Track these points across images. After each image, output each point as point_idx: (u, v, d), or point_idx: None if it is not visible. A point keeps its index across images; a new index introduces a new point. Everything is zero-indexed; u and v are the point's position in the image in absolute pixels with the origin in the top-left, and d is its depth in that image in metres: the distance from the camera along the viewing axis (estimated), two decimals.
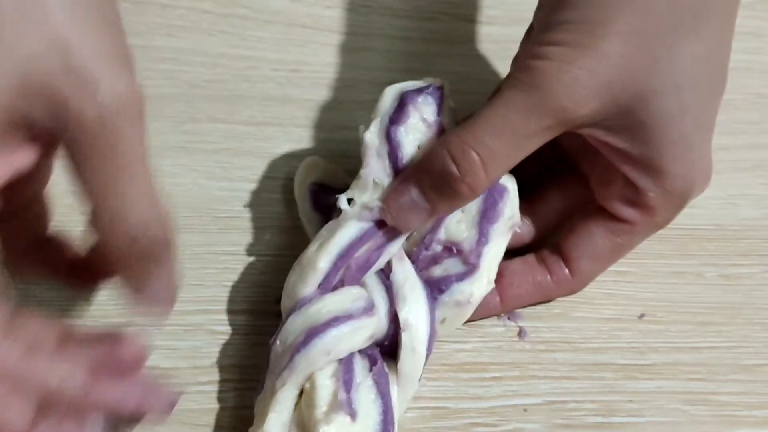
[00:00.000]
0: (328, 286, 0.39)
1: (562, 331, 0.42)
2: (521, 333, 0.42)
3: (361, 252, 0.39)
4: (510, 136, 0.36)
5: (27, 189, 0.33)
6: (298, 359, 0.37)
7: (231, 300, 0.43)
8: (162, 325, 0.42)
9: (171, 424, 0.39)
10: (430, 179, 0.37)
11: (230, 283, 0.44)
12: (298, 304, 0.38)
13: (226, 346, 0.42)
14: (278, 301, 0.40)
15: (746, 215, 0.47)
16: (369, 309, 0.38)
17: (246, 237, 0.46)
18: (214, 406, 0.40)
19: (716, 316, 0.43)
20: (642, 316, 0.43)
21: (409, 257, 0.40)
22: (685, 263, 0.45)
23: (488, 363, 0.41)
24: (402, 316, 0.38)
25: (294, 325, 0.38)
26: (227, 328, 0.42)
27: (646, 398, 0.40)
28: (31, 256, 0.36)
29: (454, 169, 0.36)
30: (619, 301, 0.43)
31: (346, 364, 0.37)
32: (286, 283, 0.40)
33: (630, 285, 0.44)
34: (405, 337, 0.38)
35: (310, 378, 0.37)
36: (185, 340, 0.42)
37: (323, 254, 0.39)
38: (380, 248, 0.39)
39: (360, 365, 0.38)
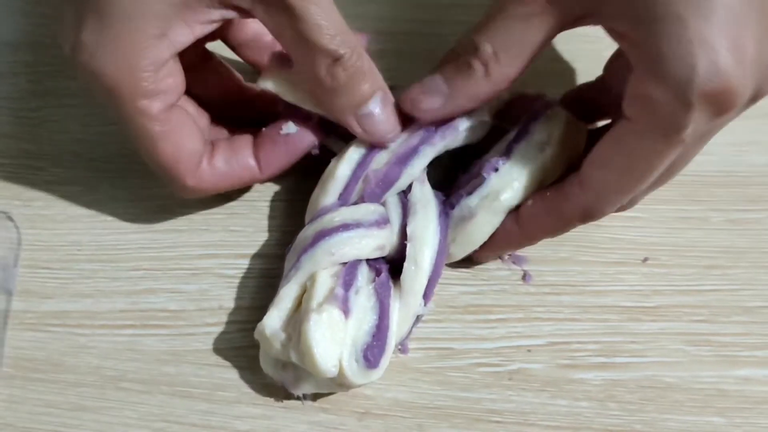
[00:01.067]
0: (347, 197, 0.40)
1: (567, 274, 0.43)
2: (525, 276, 0.42)
3: (380, 164, 0.40)
4: (514, 25, 0.36)
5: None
6: (304, 259, 0.38)
7: (238, 244, 0.44)
8: (168, 269, 0.43)
9: (178, 364, 0.40)
10: (448, 65, 0.38)
11: (237, 228, 0.44)
12: (317, 214, 0.40)
13: (233, 289, 0.42)
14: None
15: (755, 161, 0.46)
16: (381, 222, 0.39)
17: None
18: (222, 346, 0.41)
19: (721, 260, 0.43)
20: (646, 260, 0.43)
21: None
22: (692, 208, 0.45)
23: (493, 305, 0.42)
24: (409, 229, 0.39)
25: (306, 232, 0.39)
26: (234, 272, 0.43)
27: (649, 339, 0.41)
28: (226, 103, 0.43)
29: (470, 49, 0.37)
30: (624, 246, 0.43)
31: (349, 267, 0.38)
32: (310, 199, 0.41)
33: (636, 230, 0.44)
34: (410, 249, 0.38)
35: (312, 276, 0.38)
36: (192, 283, 0.42)
37: (342, 162, 0.40)
38: (400, 164, 0.40)
39: (364, 272, 0.39)
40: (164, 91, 0.37)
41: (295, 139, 0.41)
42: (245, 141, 0.42)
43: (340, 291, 0.37)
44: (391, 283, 0.39)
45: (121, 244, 0.44)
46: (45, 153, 0.47)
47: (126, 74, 0.36)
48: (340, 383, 0.37)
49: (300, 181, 0.44)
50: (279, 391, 0.39)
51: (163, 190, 0.45)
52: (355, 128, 0.39)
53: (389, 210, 0.40)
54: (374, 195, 0.40)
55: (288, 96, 0.41)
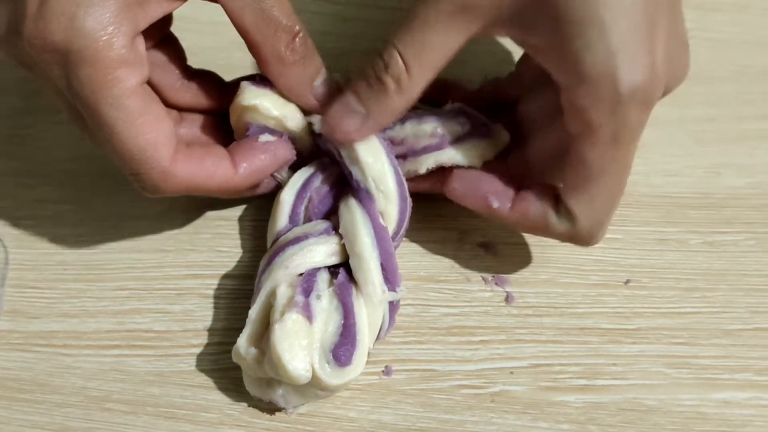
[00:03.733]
0: (296, 218, 0.42)
1: (549, 296, 0.43)
2: (508, 298, 0.43)
3: (321, 183, 0.42)
4: (427, 33, 0.37)
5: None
6: (263, 278, 0.40)
7: (223, 265, 0.44)
8: (154, 289, 0.43)
9: (163, 385, 0.40)
10: (361, 82, 0.39)
11: (224, 249, 0.45)
12: (273, 240, 0.41)
13: (218, 309, 0.43)
14: None
15: (730, 184, 0.47)
16: (330, 230, 0.41)
17: (239, 202, 0.46)
18: (206, 367, 0.41)
19: (700, 282, 0.44)
20: (628, 282, 0.44)
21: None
22: (669, 230, 0.45)
23: (475, 327, 0.42)
24: (341, 229, 0.40)
25: (264, 257, 0.41)
26: (219, 292, 0.43)
27: (630, 361, 0.41)
28: (183, 87, 0.43)
29: (380, 65, 0.38)
30: (606, 268, 0.44)
31: (307, 275, 0.40)
32: (267, 229, 0.43)
33: (616, 252, 0.45)
34: (347, 246, 0.40)
35: (273, 291, 0.39)
36: (178, 303, 0.43)
37: (286, 189, 0.42)
38: (336, 183, 0.42)
39: (324, 278, 0.40)
40: (139, 62, 0.37)
41: (272, 146, 0.42)
42: (219, 147, 0.42)
43: (299, 298, 0.38)
44: (351, 283, 0.40)
45: (108, 263, 0.44)
46: (34, 171, 0.48)
47: (106, 40, 0.35)
48: (319, 387, 0.38)
49: None
50: (262, 414, 0.39)
51: (151, 210, 0.46)
52: (311, 101, 0.41)
53: (333, 221, 0.42)
54: (318, 213, 0.42)
55: (272, 109, 0.42)
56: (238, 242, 0.45)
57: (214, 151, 0.41)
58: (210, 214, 0.46)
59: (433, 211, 0.45)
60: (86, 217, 0.46)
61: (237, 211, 0.46)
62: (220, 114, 0.44)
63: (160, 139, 0.38)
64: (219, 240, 0.45)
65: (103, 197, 0.46)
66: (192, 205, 0.46)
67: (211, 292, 0.43)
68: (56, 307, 0.43)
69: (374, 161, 0.40)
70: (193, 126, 0.43)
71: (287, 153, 0.42)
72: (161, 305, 0.43)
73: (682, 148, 0.49)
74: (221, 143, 0.42)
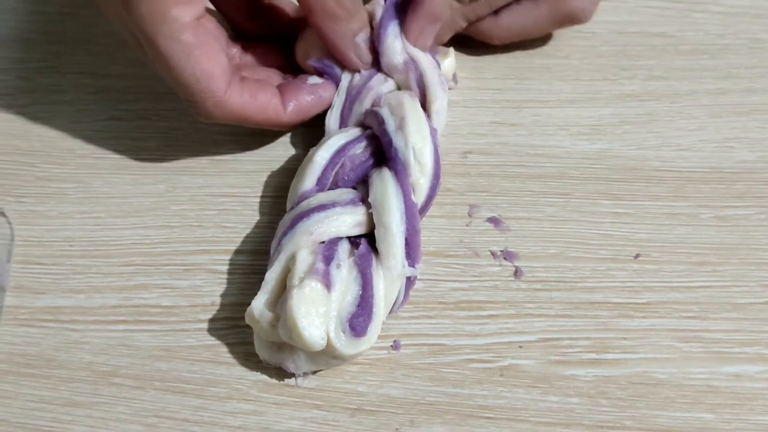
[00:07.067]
0: (325, 182, 0.42)
1: (558, 270, 0.43)
2: (517, 273, 0.43)
3: (359, 151, 0.43)
4: None
5: None
6: (285, 241, 0.40)
7: (230, 240, 0.44)
8: (161, 265, 0.43)
9: (171, 360, 0.40)
10: None
11: (229, 225, 0.44)
12: (296, 201, 0.41)
13: (226, 285, 0.42)
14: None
15: (742, 158, 0.47)
16: (357, 201, 0.41)
17: (244, 179, 0.46)
18: (214, 342, 0.41)
19: (710, 257, 0.43)
20: (637, 256, 0.43)
21: None
22: (680, 204, 0.45)
23: (484, 301, 0.42)
24: (371, 198, 0.40)
25: (286, 219, 0.41)
26: (227, 267, 0.43)
27: (640, 335, 0.41)
28: (253, 18, 0.47)
29: None
30: (615, 242, 0.44)
31: (329, 244, 0.40)
32: (290, 188, 0.43)
33: (626, 226, 0.44)
34: (375, 216, 0.40)
35: (293, 256, 0.39)
36: (185, 279, 0.43)
37: (321, 150, 0.42)
38: (373, 155, 0.43)
39: (345, 248, 0.40)
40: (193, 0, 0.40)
41: (320, 88, 0.45)
42: (271, 83, 0.45)
43: (320, 266, 0.38)
44: (372, 255, 0.40)
45: (114, 240, 0.44)
46: (36, 149, 0.48)
47: None
48: (332, 356, 0.38)
49: (290, 179, 0.44)
50: (270, 388, 0.39)
51: (157, 187, 0.46)
52: (351, 58, 0.45)
53: (362, 191, 0.42)
54: (348, 181, 0.42)
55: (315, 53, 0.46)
56: (245, 218, 0.45)
57: (267, 87, 0.44)
58: (214, 191, 0.46)
59: (442, 186, 0.45)
60: (89, 196, 0.46)
61: (241, 188, 0.46)
62: (286, 39, 0.48)
63: (215, 70, 0.41)
64: (225, 216, 0.45)
65: (106, 175, 0.46)
66: (194, 183, 0.46)
67: (219, 268, 0.43)
68: (63, 283, 0.42)
69: (418, 131, 0.42)
70: (254, 56, 0.47)
71: (332, 96, 0.46)
72: (168, 281, 0.42)
73: (693, 122, 0.48)
74: (281, 70, 0.47)
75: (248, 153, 0.47)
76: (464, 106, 0.49)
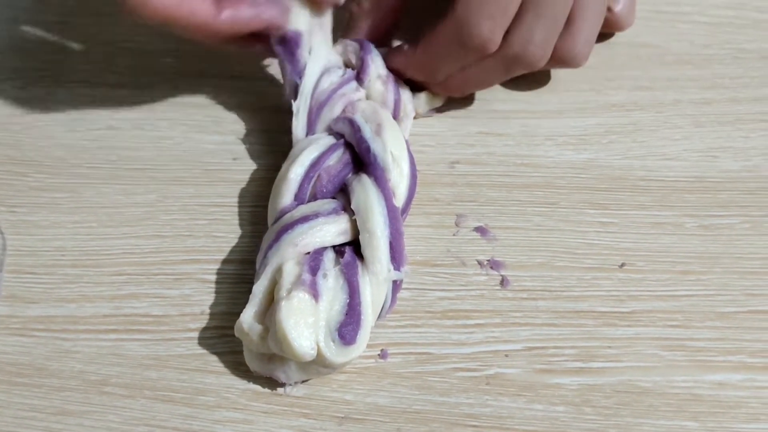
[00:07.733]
0: (302, 196, 0.42)
1: (544, 280, 0.43)
2: (503, 282, 0.43)
3: (332, 162, 0.43)
4: None
5: None
6: (270, 254, 0.40)
7: (220, 250, 0.44)
8: (152, 274, 0.43)
9: (161, 369, 0.40)
10: None
11: (220, 234, 0.45)
12: (277, 216, 0.42)
13: (216, 294, 0.43)
14: None
15: (726, 167, 0.47)
16: (339, 210, 0.41)
17: (235, 189, 0.47)
18: (203, 351, 0.41)
19: (695, 265, 0.44)
20: (623, 265, 0.44)
21: None
22: (665, 214, 0.45)
23: (471, 310, 0.42)
24: (353, 205, 0.41)
25: (270, 233, 0.41)
26: (217, 277, 0.43)
27: (625, 344, 0.41)
28: None
29: None
30: (601, 251, 0.44)
31: (314, 254, 0.40)
32: (268, 205, 0.43)
33: (611, 235, 0.45)
34: (359, 222, 0.40)
35: (280, 268, 0.40)
36: (175, 288, 0.43)
37: (295, 166, 0.43)
38: (348, 164, 0.43)
39: (330, 257, 0.41)
40: None
41: (263, 5, 0.43)
42: None
43: (307, 276, 0.39)
44: (358, 262, 0.40)
45: (105, 249, 0.44)
46: (29, 159, 0.48)
47: None
48: (322, 365, 0.38)
49: None
50: (259, 397, 0.40)
51: (148, 197, 0.46)
52: None
53: (341, 200, 0.42)
54: (327, 192, 0.43)
55: None
56: (235, 228, 0.45)
57: None
58: (205, 201, 0.46)
59: (430, 195, 0.45)
60: (81, 205, 0.46)
61: (231, 198, 0.46)
62: None
63: None
64: (215, 226, 0.45)
65: (98, 185, 0.47)
66: (185, 192, 0.46)
67: (209, 277, 0.43)
68: (54, 293, 0.43)
69: (394, 137, 0.43)
70: None
71: (274, 16, 0.43)
72: (159, 290, 0.43)
73: (678, 131, 0.49)
74: None
75: (239, 163, 0.48)
76: (452, 117, 0.50)
